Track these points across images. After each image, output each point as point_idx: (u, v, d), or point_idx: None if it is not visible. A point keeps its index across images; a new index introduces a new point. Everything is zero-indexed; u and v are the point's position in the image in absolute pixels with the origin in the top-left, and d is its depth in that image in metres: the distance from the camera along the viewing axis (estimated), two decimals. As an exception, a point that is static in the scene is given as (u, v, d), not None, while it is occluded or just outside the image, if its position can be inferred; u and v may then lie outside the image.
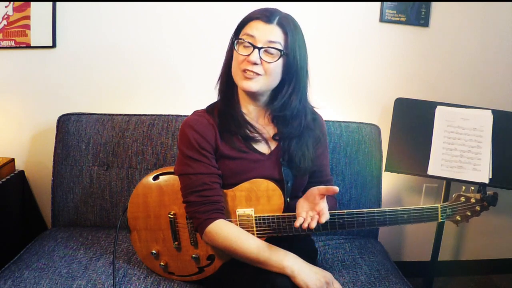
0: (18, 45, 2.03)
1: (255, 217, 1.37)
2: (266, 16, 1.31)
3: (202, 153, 1.37)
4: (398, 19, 2.16)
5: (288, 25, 1.32)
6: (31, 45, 2.04)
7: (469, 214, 1.37)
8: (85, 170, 1.93)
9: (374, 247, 1.86)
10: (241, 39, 1.32)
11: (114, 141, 1.93)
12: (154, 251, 1.50)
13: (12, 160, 2.05)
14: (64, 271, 1.55)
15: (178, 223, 1.47)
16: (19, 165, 2.12)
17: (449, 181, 2.01)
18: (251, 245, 1.30)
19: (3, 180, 1.93)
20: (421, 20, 2.17)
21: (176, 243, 1.47)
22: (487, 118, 1.92)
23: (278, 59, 1.32)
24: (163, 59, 2.13)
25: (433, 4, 2.15)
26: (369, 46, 2.20)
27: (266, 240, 1.35)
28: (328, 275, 1.28)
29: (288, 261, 1.26)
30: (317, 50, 2.17)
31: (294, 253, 1.43)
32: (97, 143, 1.93)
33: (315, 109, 1.50)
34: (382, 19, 2.16)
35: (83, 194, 1.93)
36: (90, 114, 2.00)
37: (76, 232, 1.86)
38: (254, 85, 1.33)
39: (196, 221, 1.36)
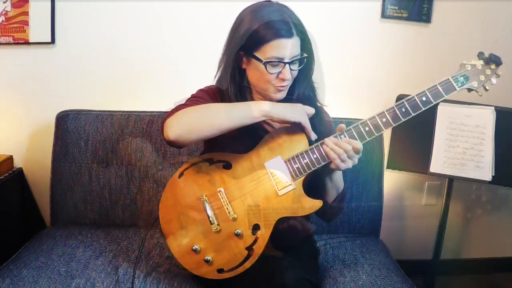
0: (16, 42, 2.02)
1: (285, 161, 1.35)
2: (286, 32, 1.29)
3: (203, 96, 1.43)
4: (400, 15, 2.15)
5: (302, 28, 1.34)
6: (30, 42, 2.03)
7: (483, 78, 1.36)
8: (84, 167, 1.92)
9: (375, 245, 1.85)
10: (269, 62, 1.31)
11: (114, 138, 1.92)
12: (195, 247, 1.39)
13: (11, 157, 2.05)
14: (63, 269, 1.54)
15: (211, 202, 1.39)
16: (17, 163, 2.11)
17: (451, 178, 1.99)
18: (221, 105, 1.34)
19: (2, 178, 1.92)
20: (423, 16, 2.16)
21: (216, 224, 1.38)
22: (490, 115, 1.90)
23: (303, 63, 1.36)
24: (163, 56, 2.12)
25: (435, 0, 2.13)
26: (371, 42, 2.19)
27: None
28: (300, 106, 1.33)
29: (264, 105, 1.30)
30: (318, 46, 2.15)
31: (295, 253, 1.44)
32: (96, 140, 1.92)
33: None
34: (384, 15, 2.15)
35: (82, 192, 1.92)
36: (89, 111, 1.99)
37: (75, 230, 1.85)
38: (285, 93, 1.40)
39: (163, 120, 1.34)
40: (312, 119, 1.38)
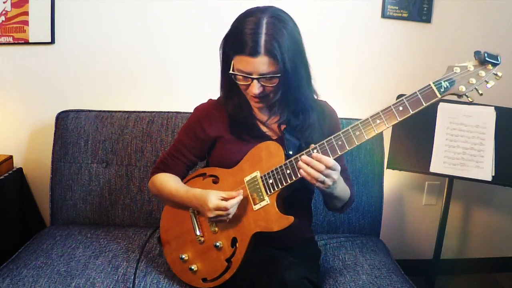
0: (16, 41, 2.02)
1: (261, 176, 1.36)
2: (250, 50, 1.23)
3: (191, 137, 1.50)
4: (400, 15, 2.15)
5: (276, 45, 1.23)
6: (30, 41, 2.03)
7: (474, 81, 1.19)
8: (84, 167, 1.92)
9: (375, 245, 1.84)
10: (234, 74, 1.30)
11: (113, 138, 1.92)
12: (182, 256, 1.47)
13: (11, 157, 2.04)
14: (63, 269, 1.54)
15: (198, 214, 1.47)
16: (17, 162, 2.11)
17: (451, 178, 1.99)
18: (171, 186, 1.48)
19: (1, 177, 1.92)
20: (423, 16, 2.16)
21: (200, 235, 1.45)
22: (490, 115, 1.90)
23: (278, 81, 1.29)
24: (163, 55, 2.12)
25: (435, -1, 2.14)
26: (371, 42, 2.18)
27: (284, 210, 1.34)
28: (204, 203, 1.35)
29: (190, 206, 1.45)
30: (318, 47, 2.15)
31: (297, 254, 1.43)
32: (96, 140, 1.92)
33: (320, 98, 1.47)
34: (384, 15, 2.15)
35: (82, 191, 1.92)
36: (89, 110, 1.99)
37: (75, 230, 1.84)
38: (264, 104, 1.37)
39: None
40: (304, 131, 1.40)
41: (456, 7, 2.18)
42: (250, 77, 1.27)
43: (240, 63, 1.26)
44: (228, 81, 1.38)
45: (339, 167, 1.28)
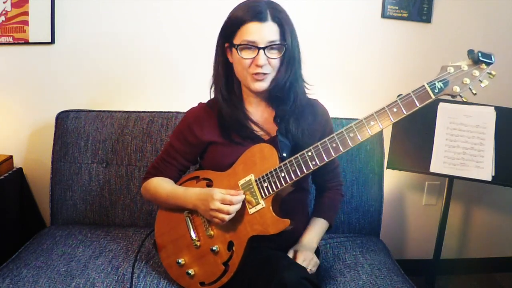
0: (16, 41, 2.02)
1: (256, 180, 1.36)
2: (258, 15, 1.28)
3: (182, 142, 1.50)
4: (400, 15, 2.15)
5: (281, 16, 1.31)
6: (30, 41, 2.03)
7: (467, 81, 1.18)
8: (84, 167, 1.92)
9: (375, 245, 1.84)
10: (241, 44, 1.31)
11: (114, 138, 1.92)
12: (179, 260, 1.46)
13: (11, 157, 2.04)
14: (63, 269, 1.54)
15: (193, 219, 1.46)
16: (17, 162, 2.11)
17: (451, 178, 1.99)
18: (166, 188, 1.47)
19: (1, 177, 1.92)
20: (423, 16, 2.16)
21: (196, 239, 1.44)
22: (490, 115, 1.90)
23: (283, 53, 1.32)
24: (163, 55, 2.12)
25: (435, -1, 2.14)
26: (371, 42, 2.18)
27: (281, 214, 1.34)
28: (209, 196, 1.34)
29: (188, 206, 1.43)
30: (318, 46, 2.15)
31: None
32: (96, 140, 1.92)
33: (309, 90, 1.48)
34: (384, 15, 2.15)
35: (82, 191, 1.92)
36: (89, 110, 1.99)
37: (75, 230, 1.84)
38: (265, 84, 1.36)
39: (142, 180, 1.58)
40: (293, 121, 1.40)
41: (456, 7, 2.18)
42: (257, 47, 1.29)
43: (246, 33, 1.29)
44: (224, 71, 1.40)
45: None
